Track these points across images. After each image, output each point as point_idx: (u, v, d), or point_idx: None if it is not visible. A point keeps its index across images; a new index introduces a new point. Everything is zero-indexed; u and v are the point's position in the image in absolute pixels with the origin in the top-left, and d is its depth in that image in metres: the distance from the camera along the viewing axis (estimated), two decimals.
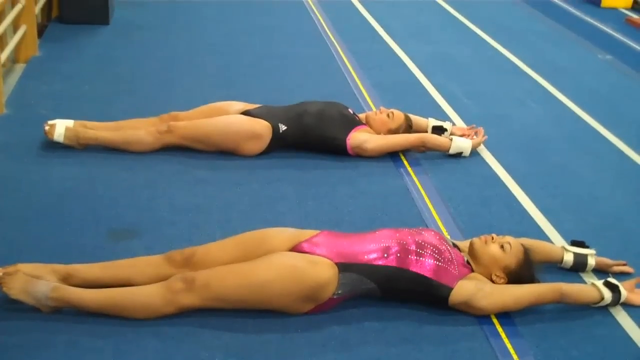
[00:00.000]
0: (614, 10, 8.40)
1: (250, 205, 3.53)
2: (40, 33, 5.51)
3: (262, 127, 3.92)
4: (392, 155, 4.12)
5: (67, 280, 2.66)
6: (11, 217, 3.25)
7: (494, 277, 2.88)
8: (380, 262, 2.73)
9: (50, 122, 3.86)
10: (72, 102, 4.51)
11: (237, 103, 4.10)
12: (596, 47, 6.81)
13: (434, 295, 2.77)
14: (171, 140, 3.89)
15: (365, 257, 2.74)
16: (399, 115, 4.17)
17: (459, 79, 5.56)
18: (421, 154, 4.17)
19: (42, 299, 2.58)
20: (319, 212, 3.52)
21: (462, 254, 2.92)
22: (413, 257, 2.75)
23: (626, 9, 8.48)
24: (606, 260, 3.23)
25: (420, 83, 5.39)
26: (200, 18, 6.58)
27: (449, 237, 3.26)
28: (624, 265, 3.24)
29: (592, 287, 2.91)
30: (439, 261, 2.76)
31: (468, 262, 2.90)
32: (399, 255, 2.75)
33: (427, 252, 2.77)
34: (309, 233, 2.84)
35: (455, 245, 2.96)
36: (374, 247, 2.77)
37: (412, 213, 3.59)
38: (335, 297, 2.71)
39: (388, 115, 4.14)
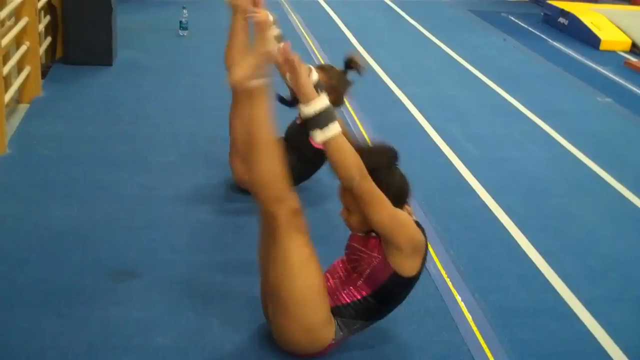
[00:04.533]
0: (612, 53, 8.49)
1: (250, 246, 3.49)
2: (44, 74, 5.56)
3: None
4: None
5: None
6: (12, 257, 3.25)
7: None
8: (343, 302, 2.71)
9: None
10: (74, 142, 4.53)
11: None
12: (595, 89, 6.86)
13: (397, 287, 2.68)
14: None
15: (337, 297, 2.72)
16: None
17: (459, 122, 5.60)
18: (421, 197, 4.18)
19: None
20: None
21: (368, 237, 2.70)
22: (356, 284, 2.70)
23: (624, 52, 8.57)
24: None
25: (421, 125, 5.42)
26: (202, 60, 6.65)
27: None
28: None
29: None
30: (369, 268, 2.66)
31: (374, 234, 2.68)
32: (346, 288, 2.71)
33: (359, 271, 2.68)
34: None
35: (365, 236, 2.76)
36: (336, 287, 2.74)
37: None
38: (333, 342, 2.70)
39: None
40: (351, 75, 3.93)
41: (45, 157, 4.21)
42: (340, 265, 2.79)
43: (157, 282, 3.15)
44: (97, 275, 3.17)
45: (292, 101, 2.60)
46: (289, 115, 3.95)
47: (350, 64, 3.90)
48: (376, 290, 2.67)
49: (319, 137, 2.46)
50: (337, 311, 2.69)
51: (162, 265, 3.31)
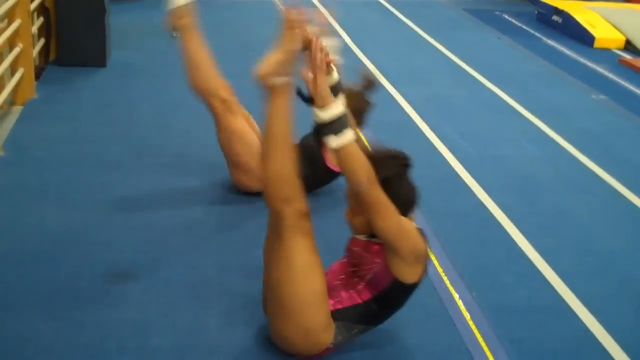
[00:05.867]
0: (606, 50, 8.49)
1: (246, 247, 3.51)
2: (37, 76, 5.53)
3: None
4: None
5: None
6: (6, 260, 3.22)
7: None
8: (343, 305, 2.69)
9: None
10: (68, 144, 4.51)
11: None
12: (590, 87, 6.86)
13: (398, 293, 2.67)
14: (218, 107, 3.85)
15: (332, 302, 2.70)
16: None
17: (454, 120, 5.59)
18: None
19: None
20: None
21: (372, 242, 2.68)
22: (352, 291, 2.69)
23: (618, 49, 8.57)
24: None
25: (416, 124, 5.41)
26: None
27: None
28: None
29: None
30: (369, 274, 2.65)
31: (376, 240, 2.66)
32: (350, 291, 2.70)
33: (355, 276, 2.70)
34: None
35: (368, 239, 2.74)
36: (336, 291, 2.72)
37: None
38: (331, 346, 2.68)
39: None
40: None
41: (40, 159, 4.18)
42: (340, 267, 2.78)
43: (153, 283, 3.13)
44: (92, 277, 3.14)
45: (311, 99, 2.58)
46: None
47: (367, 83, 3.94)
48: (377, 295, 2.66)
49: (332, 142, 2.43)
50: (337, 314, 2.68)
51: (158, 266, 3.29)
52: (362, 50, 7.41)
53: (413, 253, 2.56)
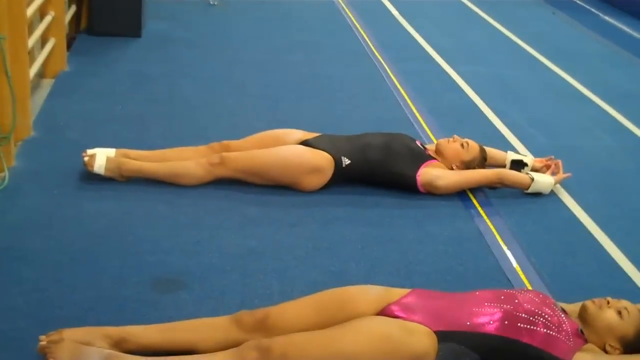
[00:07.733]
0: None
1: (308, 250, 3.12)
2: (68, 46, 5.12)
3: (324, 161, 3.52)
4: (460, 193, 3.71)
5: (120, 345, 2.29)
6: (42, 261, 2.83)
7: (607, 348, 2.47)
8: (484, 330, 2.33)
9: (89, 151, 3.46)
10: (104, 124, 4.12)
11: (295, 131, 3.71)
12: None
13: None
14: (223, 173, 3.49)
15: (468, 323, 2.33)
16: (473, 147, 3.76)
17: (519, 105, 5.15)
18: (492, 192, 3.77)
19: None
20: (387, 260, 3.11)
21: (573, 320, 2.50)
22: (522, 325, 2.34)
23: None
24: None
25: (479, 108, 4.98)
26: (237, 33, 6.20)
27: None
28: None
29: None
30: (551, 330, 2.36)
31: (581, 331, 2.48)
32: (506, 322, 2.34)
33: (537, 320, 2.37)
34: (398, 292, 2.46)
35: (563, 310, 2.55)
36: (477, 312, 2.37)
37: (489, 263, 3.18)
38: None
39: (462, 145, 3.73)
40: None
41: (75, 142, 3.77)
42: (502, 297, 2.46)
43: (208, 294, 2.74)
44: (138, 284, 2.76)
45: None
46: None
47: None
48: (529, 347, 2.33)
49: None
50: (457, 336, 2.31)
51: (212, 272, 2.90)
52: (410, 24, 6.96)
53: None
